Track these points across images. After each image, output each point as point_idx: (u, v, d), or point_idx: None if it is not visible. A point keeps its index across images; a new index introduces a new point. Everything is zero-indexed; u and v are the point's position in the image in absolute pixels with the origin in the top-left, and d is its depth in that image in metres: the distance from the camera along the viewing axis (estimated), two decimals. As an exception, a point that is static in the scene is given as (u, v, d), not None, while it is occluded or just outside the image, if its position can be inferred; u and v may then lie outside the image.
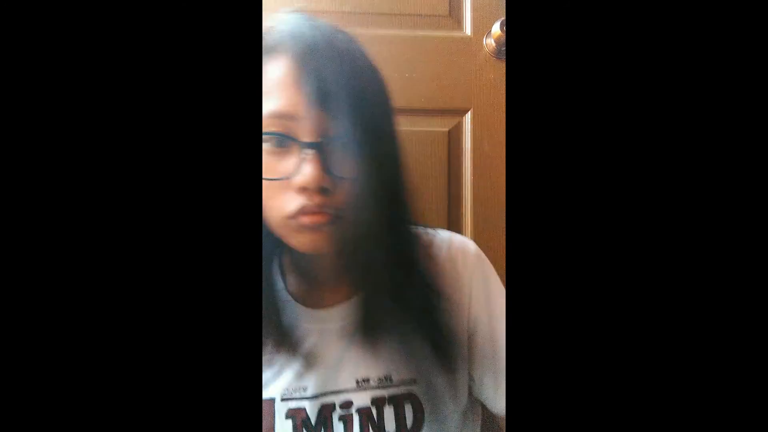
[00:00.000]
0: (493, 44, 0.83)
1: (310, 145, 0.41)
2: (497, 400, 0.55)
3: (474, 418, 0.59)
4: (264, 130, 0.42)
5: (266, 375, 0.51)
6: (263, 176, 0.43)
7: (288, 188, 0.43)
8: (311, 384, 0.50)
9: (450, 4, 0.84)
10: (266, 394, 0.50)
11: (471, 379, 0.55)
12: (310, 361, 0.51)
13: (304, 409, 0.50)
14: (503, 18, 0.81)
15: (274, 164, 0.43)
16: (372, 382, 0.51)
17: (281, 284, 0.54)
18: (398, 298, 0.49)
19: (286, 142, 0.42)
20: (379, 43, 0.81)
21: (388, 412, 0.50)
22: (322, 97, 0.41)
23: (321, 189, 0.42)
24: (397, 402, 0.50)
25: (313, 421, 0.50)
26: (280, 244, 0.48)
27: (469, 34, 0.84)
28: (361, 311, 0.51)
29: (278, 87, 0.42)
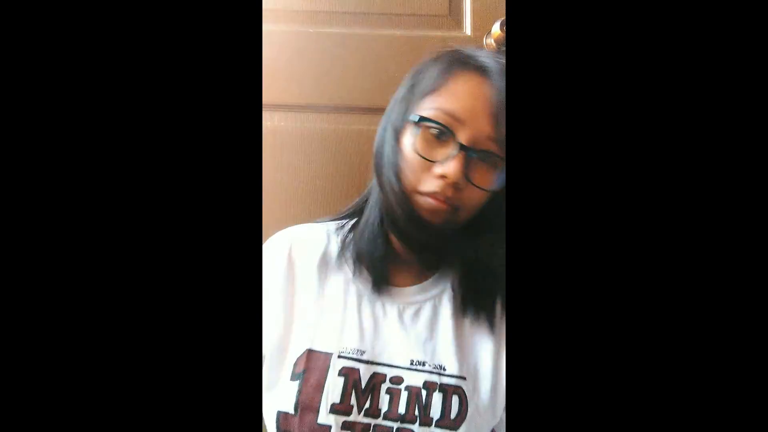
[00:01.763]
0: (493, 44, 0.82)
1: (464, 147, 0.50)
2: None
3: None
4: (435, 118, 0.51)
5: (329, 325, 0.55)
6: (419, 152, 0.52)
7: (430, 171, 0.52)
8: (369, 350, 0.54)
9: (450, 4, 0.84)
10: (323, 347, 0.54)
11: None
12: (373, 330, 0.55)
13: (358, 371, 0.53)
14: (503, 18, 0.81)
15: (430, 147, 0.52)
16: (427, 366, 0.54)
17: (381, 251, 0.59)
18: (471, 298, 0.57)
19: (447, 134, 0.51)
20: (379, 43, 0.81)
21: (437, 398, 0.52)
22: (491, 119, 0.50)
23: (455, 184, 0.50)
24: (446, 391, 0.53)
25: (363, 384, 0.52)
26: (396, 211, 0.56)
27: (469, 34, 0.84)
28: (433, 298, 0.57)
29: (459, 94, 0.52)
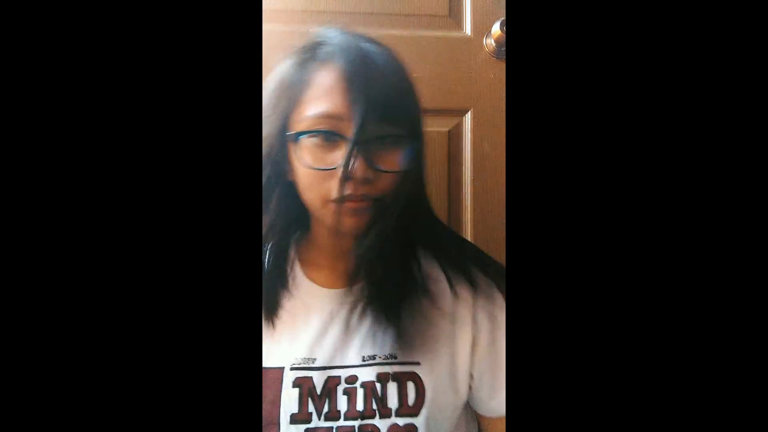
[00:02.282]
0: (493, 44, 0.83)
1: (356, 142, 0.47)
2: (491, 402, 0.57)
3: (469, 418, 0.60)
4: (314, 128, 0.49)
5: (279, 345, 0.55)
6: (312, 166, 0.49)
7: (334, 177, 0.49)
8: (320, 356, 0.54)
9: (450, 4, 0.84)
10: (275, 362, 0.54)
11: (471, 377, 0.56)
12: (320, 336, 0.55)
13: (311, 379, 0.53)
14: (503, 18, 0.81)
15: (322, 156, 0.49)
16: (377, 359, 0.53)
17: (297, 265, 0.60)
18: (407, 284, 0.55)
19: (334, 138, 0.49)
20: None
21: (392, 388, 0.52)
22: (366, 102, 0.48)
23: (364, 179, 0.48)
24: (400, 379, 0.53)
25: (318, 390, 0.53)
26: (300, 229, 0.56)
27: (469, 34, 0.84)
28: (372, 292, 0.55)
29: (329, 92, 0.49)
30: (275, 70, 0.54)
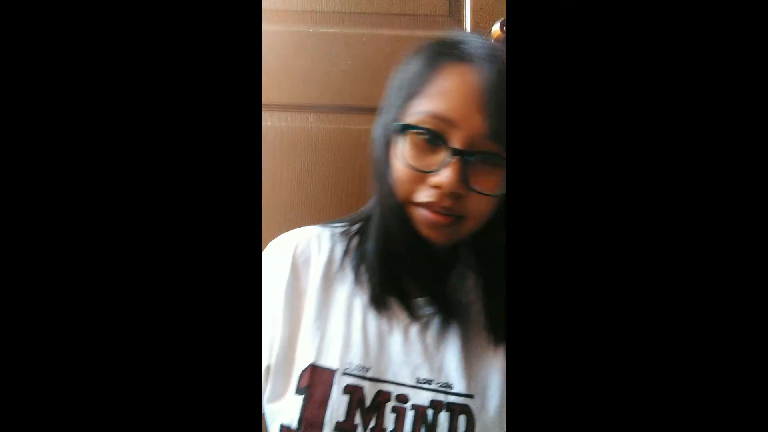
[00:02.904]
0: (493, 44, 0.83)
1: (458, 152, 0.45)
2: None
3: None
4: (422, 125, 0.46)
5: (334, 345, 0.52)
6: (409, 163, 0.46)
7: (425, 181, 0.47)
8: (374, 366, 0.52)
9: (450, 4, 0.84)
10: (328, 363, 0.51)
11: None
12: (377, 343, 0.53)
13: (362, 389, 0.50)
14: (503, 18, 0.81)
15: (420, 156, 0.47)
16: (433, 385, 0.51)
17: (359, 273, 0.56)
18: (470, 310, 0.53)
19: (437, 141, 0.46)
20: (379, 43, 0.81)
21: (443, 418, 0.50)
22: (486, 115, 0.45)
23: (453, 194, 0.46)
24: (453, 411, 0.51)
25: (368, 403, 0.50)
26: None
27: (469, 34, 0.84)
28: (437, 306, 0.53)
29: (449, 92, 0.47)
30: (407, 61, 0.52)
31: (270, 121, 0.81)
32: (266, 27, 0.77)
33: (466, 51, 0.48)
